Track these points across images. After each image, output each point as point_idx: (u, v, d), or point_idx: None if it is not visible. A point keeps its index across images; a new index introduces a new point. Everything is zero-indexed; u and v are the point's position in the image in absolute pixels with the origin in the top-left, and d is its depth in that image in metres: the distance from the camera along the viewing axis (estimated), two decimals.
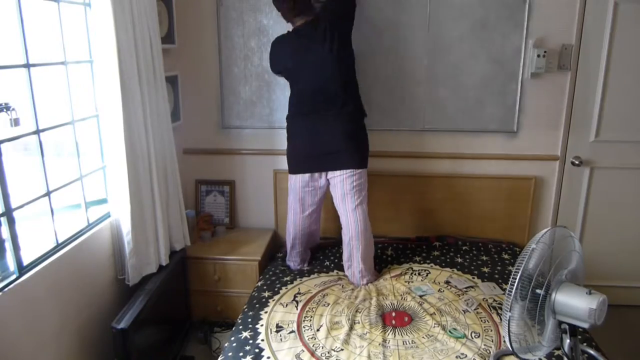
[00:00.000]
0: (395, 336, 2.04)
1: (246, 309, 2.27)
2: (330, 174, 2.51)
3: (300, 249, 2.68)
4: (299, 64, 2.45)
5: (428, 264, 2.71)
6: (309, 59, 2.42)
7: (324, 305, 2.28)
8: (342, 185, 2.46)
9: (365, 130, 2.54)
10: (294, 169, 2.57)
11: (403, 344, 1.99)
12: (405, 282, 2.50)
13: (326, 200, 2.67)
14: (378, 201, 2.98)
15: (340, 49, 2.39)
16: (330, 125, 2.44)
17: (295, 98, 2.53)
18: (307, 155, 2.51)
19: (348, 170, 2.44)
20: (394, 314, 2.19)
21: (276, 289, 2.44)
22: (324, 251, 2.86)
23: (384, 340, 2.00)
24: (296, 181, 2.56)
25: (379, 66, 2.81)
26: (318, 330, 2.09)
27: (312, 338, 2.04)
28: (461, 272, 2.62)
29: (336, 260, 2.75)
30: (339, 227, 2.61)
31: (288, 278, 2.55)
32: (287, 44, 2.50)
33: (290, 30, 2.53)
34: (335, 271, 2.64)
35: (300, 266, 2.69)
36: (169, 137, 2.49)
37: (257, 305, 2.29)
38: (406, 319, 2.17)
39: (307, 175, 2.53)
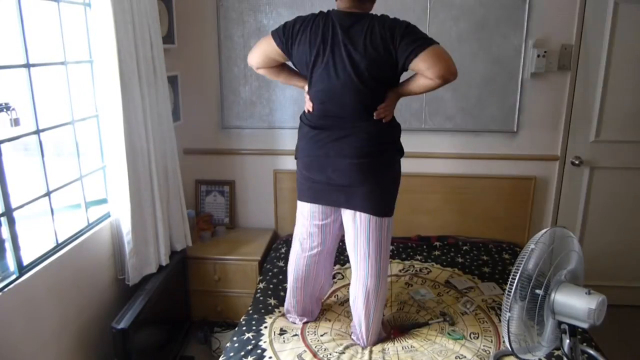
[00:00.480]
0: (394, 343, 2.03)
1: (251, 311, 2.27)
2: (343, 211, 1.99)
3: (298, 299, 2.15)
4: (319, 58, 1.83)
5: (429, 262, 2.71)
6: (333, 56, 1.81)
7: (325, 320, 2.21)
8: (356, 229, 1.94)
9: (395, 165, 1.99)
10: (300, 195, 2.07)
11: (402, 348, 1.99)
12: (404, 285, 2.50)
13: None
14: None
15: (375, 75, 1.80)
16: (344, 150, 1.87)
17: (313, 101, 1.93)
18: (315, 182, 1.96)
19: (361, 214, 1.91)
20: (392, 331, 2.12)
21: (282, 297, 2.37)
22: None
23: (384, 349, 1.99)
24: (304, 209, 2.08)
25: None
26: (322, 335, 2.09)
27: (315, 341, 2.04)
28: (462, 271, 2.62)
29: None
30: None
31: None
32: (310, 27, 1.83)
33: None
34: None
35: (301, 320, 2.16)
36: (171, 137, 2.49)
37: (262, 310, 2.27)
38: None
39: (315, 206, 2.02)
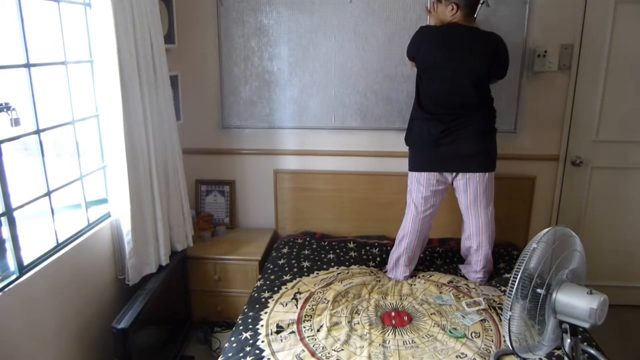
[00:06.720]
0: (395, 336, 2.04)
1: (246, 310, 2.27)
2: (461, 176, 2.45)
3: (410, 255, 2.55)
4: (445, 61, 2.34)
5: (432, 271, 2.67)
6: (456, 59, 2.33)
7: (324, 302, 2.27)
8: (475, 187, 2.45)
9: (495, 135, 2.51)
10: (421, 166, 2.51)
11: (403, 344, 1.99)
12: (409, 284, 2.49)
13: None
14: (378, 202, 2.99)
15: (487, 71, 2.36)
16: (468, 128, 2.39)
17: (430, 97, 2.42)
18: (439, 154, 2.44)
19: (480, 173, 2.43)
20: (393, 314, 2.19)
21: (276, 289, 2.43)
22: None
23: (384, 341, 2.00)
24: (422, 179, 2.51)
25: (380, 66, 2.81)
26: (318, 330, 2.09)
27: (312, 338, 2.04)
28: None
29: (336, 259, 2.75)
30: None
31: (288, 277, 2.54)
32: (439, 37, 2.35)
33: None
34: (336, 267, 2.63)
35: (406, 277, 2.55)
36: (173, 137, 2.49)
37: (257, 306, 2.28)
38: (405, 318, 2.17)
39: (434, 174, 2.47)
